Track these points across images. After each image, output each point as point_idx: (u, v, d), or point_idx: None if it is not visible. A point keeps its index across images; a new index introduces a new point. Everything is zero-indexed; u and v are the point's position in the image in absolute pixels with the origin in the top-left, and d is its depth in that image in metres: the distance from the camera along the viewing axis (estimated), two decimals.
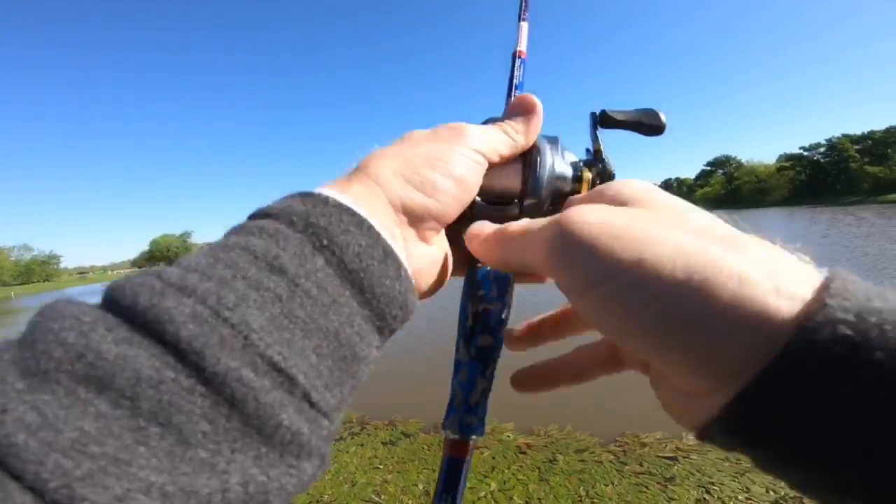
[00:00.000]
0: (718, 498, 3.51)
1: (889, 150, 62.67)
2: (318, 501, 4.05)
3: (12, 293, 56.68)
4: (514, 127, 0.40)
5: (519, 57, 0.80)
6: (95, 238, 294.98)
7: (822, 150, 68.56)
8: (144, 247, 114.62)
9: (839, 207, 41.84)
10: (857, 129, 69.76)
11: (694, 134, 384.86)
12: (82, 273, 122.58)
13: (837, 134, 66.17)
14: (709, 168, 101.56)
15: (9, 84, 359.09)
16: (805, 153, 71.29)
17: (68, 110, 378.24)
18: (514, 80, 0.72)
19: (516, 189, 0.42)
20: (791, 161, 73.53)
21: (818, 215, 32.95)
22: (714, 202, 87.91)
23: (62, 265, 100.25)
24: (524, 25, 0.98)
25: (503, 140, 0.39)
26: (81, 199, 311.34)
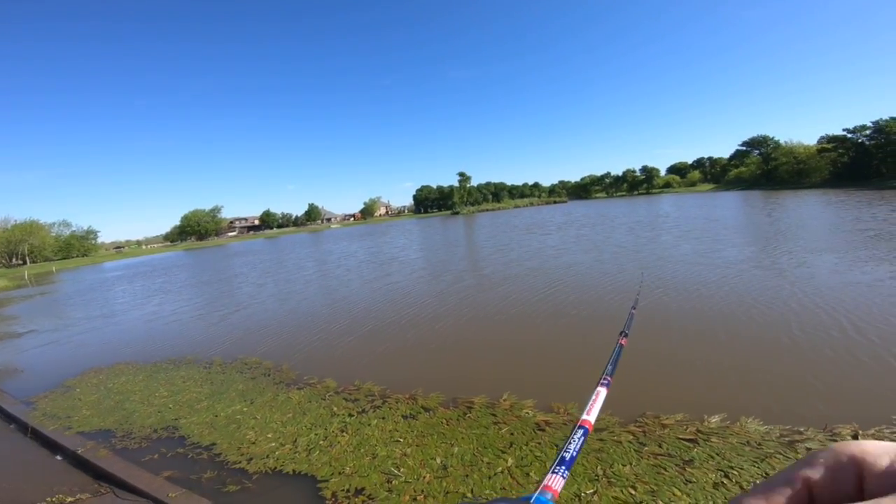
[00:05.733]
0: (737, 482, 3.50)
1: None
2: (340, 473, 4.21)
3: (53, 268, 59.14)
4: None
5: (582, 426, 0.84)
6: (131, 215, 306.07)
7: (867, 132, 64.85)
8: (176, 222, 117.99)
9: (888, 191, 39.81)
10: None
11: (728, 113, 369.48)
12: (118, 248, 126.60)
13: (886, 117, 62.46)
14: (744, 148, 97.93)
15: (54, 73, 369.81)
16: (849, 135, 67.56)
17: (107, 97, 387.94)
18: (566, 453, 0.74)
19: None
20: (833, 143, 69.89)
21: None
22: (749, 182, 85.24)
23: (99, 240, 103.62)
24: (601, 392, 1.04)
25: None
26: (118, 178, 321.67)
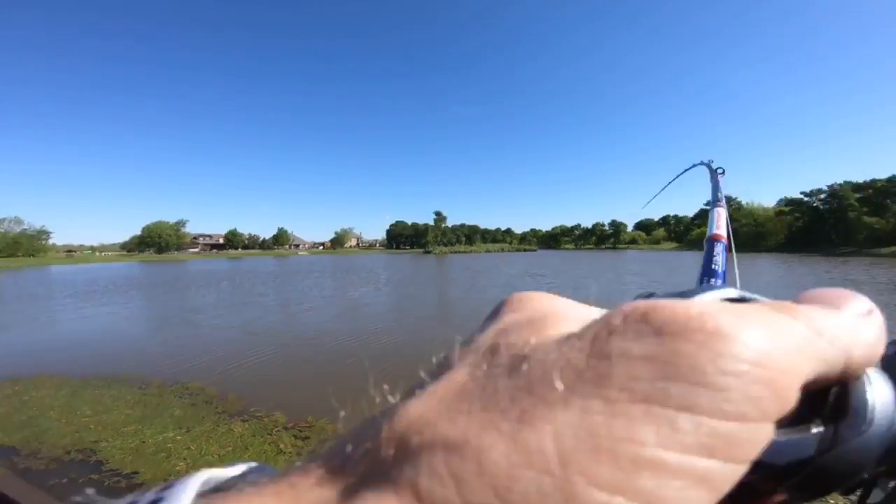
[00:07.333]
0: None
1: (889, 201, 60.23)
2: None
3: None
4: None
5: (717, 240, 0.87)
6: (88, 218, 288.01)
7: (822, 196, 67.72)
8: (136, 231, 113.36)
9: (831, 258, 42.10)
10: (863, 177, 66.10)
11: (698, 171, 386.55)
12: (70, 251, 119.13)
13: (841, 180, 65.18)
14: (707, 207, 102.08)
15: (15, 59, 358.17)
16: (805, 199, 70.70)
17: (71, 91, 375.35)
18: (714, 266, 0.73)
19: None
20: (790, 206, 73.06)
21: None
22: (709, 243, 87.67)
23: (51, 241, 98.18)
24: (721, 212, 1.07)
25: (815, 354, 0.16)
26: (79, 178, 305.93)
